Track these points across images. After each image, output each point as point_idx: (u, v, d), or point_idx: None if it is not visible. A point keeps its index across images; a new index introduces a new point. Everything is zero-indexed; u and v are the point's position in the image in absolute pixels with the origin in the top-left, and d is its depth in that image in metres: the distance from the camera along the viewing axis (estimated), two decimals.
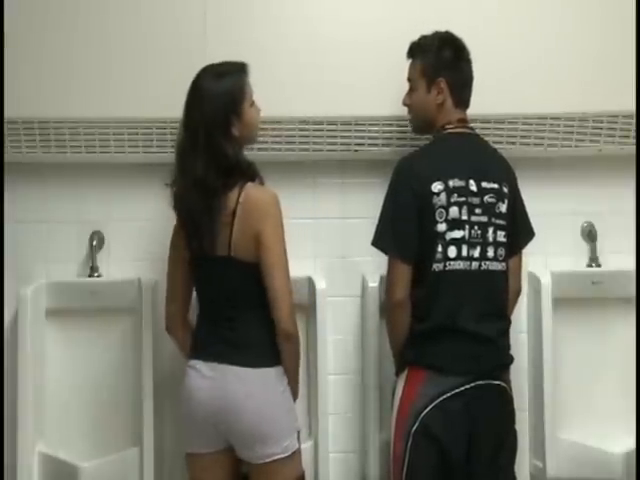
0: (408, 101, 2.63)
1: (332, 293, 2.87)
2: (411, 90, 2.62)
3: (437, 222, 2.41)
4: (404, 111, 2.75)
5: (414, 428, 2.39)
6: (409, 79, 2.62)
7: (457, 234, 2.42)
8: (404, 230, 2.44)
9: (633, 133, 2.86)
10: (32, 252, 2.90)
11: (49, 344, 2.83)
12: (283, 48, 2.83)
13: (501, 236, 2.47)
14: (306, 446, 2.72)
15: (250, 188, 2.38)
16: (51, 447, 2.75)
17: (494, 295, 2.48)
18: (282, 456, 2.33)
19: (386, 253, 2.49)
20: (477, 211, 2.45)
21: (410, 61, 2.62)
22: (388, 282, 2.48)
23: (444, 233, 2.42)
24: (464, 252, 2.43)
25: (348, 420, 2.94)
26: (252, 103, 2.43)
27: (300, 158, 2.89)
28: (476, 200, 2.45)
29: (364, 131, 2.85)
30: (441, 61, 2.55)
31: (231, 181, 2.36)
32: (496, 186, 2.48)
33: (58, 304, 2.82)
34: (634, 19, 2.82)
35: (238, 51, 2.77)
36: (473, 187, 2.45)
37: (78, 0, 2.82)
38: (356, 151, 2.88)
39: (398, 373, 2.50)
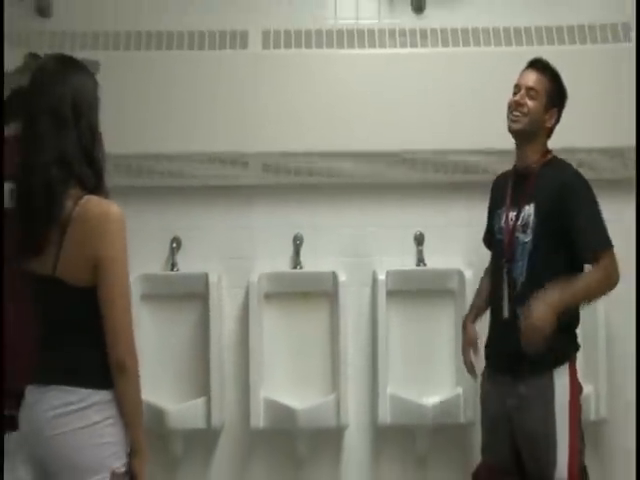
0: (524, 100, 2.61)
1: (350, 284, 3.43)
2: (531, 98, 2.61)
3: None
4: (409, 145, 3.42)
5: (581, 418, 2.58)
6: (531, 87, 2.61)
7: None
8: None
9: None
10: None
11: None
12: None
13: None
14: (331, 398, 3.33)
15: (89, 201, 1.95)
16: None
17: None
18: None
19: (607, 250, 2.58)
20: None
21: (533, 70, 2.64)
22: (615, 271, 2.56)
23: None
24: None
25: (362, 375, 3.48)
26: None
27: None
28: None
29: None
30: (562, 94, 2.66)
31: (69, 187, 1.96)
32: None
33: None
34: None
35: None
36: None
37: None
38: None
39: (555, 365, 2.56)
